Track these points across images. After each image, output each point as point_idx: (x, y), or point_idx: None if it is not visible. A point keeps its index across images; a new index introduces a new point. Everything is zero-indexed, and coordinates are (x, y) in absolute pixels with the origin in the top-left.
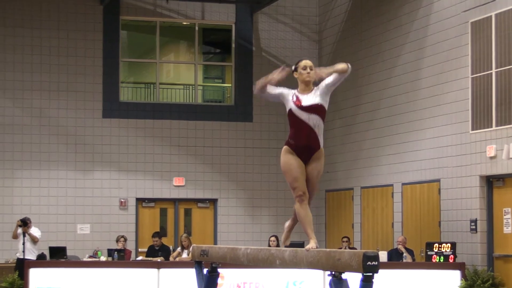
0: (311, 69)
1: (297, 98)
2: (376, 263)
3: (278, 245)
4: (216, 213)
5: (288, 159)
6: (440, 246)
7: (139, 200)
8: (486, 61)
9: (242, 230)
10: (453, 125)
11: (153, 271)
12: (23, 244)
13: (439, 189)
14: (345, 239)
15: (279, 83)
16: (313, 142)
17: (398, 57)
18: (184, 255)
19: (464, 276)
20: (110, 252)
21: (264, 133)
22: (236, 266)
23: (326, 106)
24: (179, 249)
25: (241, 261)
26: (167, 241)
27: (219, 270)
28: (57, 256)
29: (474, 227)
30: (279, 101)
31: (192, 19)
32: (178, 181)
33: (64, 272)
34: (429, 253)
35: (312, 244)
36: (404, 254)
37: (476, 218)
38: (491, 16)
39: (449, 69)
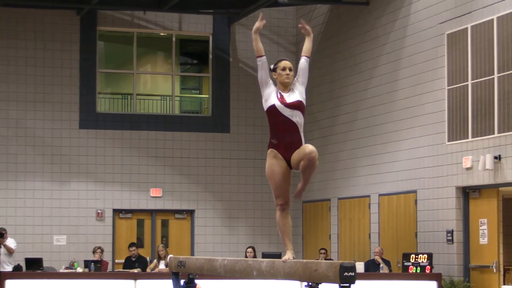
0: (290, 70)
1: (281, 95)
2: (353, 273)
3: (255, 256)
4: (193, 224)
5: (271, 164)
6: (416, 256)
7: (116, 211)
8: (462, 72)
9: (219, 241)
10: (429, 136)
11: (130, 282)
12: None
13: (416, 200)
14: (322, 251)
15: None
16: (296, 138)
17: (374, 69)
18: (161, 265)
19: (440, 286)
20: (86, 264)
21: (242, 144)
22: (213, 277)
23: (305, 102)
24: (155, 261)
25: (218, 272)
26: (144, 252)
27: (196, 281)
28: (33, 268)
29: (450, 238)
30: (261, 80)
31: (169, 30)
32: (155, 192)
33: (41, 284)
34: (405, 263)
35: (289, 255)
36: (381, 265)
37: (452, 229)
38: (467, 28)
39: (425, 80)
